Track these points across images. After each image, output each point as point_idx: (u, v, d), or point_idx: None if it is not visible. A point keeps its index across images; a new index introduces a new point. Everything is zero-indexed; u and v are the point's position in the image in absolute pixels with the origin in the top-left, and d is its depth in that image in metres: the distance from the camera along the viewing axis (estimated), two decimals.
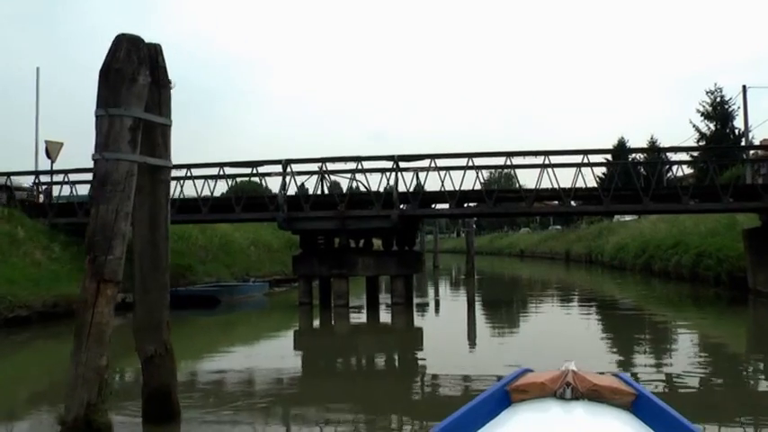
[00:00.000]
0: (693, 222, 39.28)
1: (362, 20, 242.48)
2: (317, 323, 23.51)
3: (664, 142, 65.01)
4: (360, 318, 24.87)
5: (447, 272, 57.83)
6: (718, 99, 63.95)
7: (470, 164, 23.39)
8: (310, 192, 26.25)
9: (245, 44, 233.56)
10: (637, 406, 3.72)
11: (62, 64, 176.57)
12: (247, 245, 38.17)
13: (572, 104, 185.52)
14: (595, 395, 3.69)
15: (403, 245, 26.63)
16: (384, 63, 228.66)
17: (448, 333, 20.63)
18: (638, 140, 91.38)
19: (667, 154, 28.38)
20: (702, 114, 63.89)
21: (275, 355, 16.78)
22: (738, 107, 53.72)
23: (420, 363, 15.88)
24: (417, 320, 23.78)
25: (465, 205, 25.03)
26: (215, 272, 31.82)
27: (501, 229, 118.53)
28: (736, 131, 57.49)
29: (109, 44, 7.86)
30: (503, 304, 29.30)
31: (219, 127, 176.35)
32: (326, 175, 24.81)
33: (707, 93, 64.68)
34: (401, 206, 23.88)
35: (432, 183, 47.76)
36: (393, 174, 23.77)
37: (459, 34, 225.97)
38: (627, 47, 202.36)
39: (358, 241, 27.11)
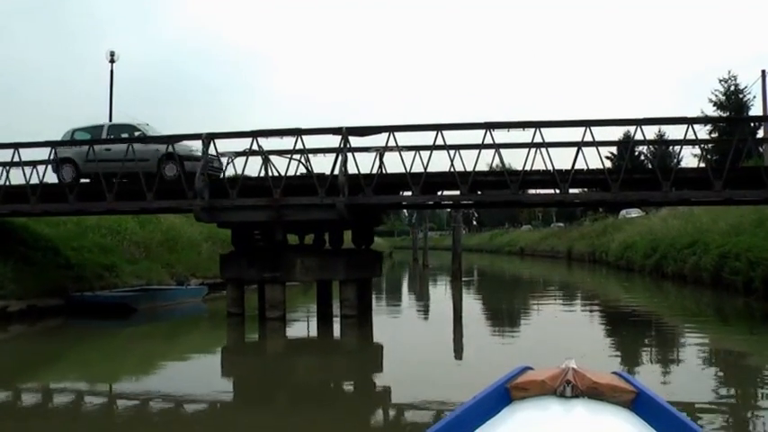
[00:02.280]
0: (711, 218, 33.46)
1: (369, 17, 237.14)
2: (252, 338, 18.61)
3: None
4: (302, 333, 19.39)
5: (443, 271, 51.72)
6: (732, 87, 58.50)
7: (441, 141, 17.69)
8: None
9: (251, 40, 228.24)
10: (637, 404, 3.60)
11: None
12: (201, 240, 32.48)
13: (576, 103, 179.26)
14: (596, 393, 3.58)
15: (360, 242, 20.96)
16: (389, 59, 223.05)
17: (421, 353, 15.23)
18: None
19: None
20: (715, 104, 58.24)
21: (179, 384, 12.39)
22: (755, 96, 48.56)
23: (374, 391, 11.92)
24: (380, 336, 18.45)
25: (440, 193, 19.34)
26: (148, 273, 26.14)
27: (502, 225, 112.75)
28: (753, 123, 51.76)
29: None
30: (495, 313, 23.73)
31: (225, 121, 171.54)
32: (264, 156, 19.03)
33: (720, 81, 59.05)
34: (360, 194, 18.21)
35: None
36: (344, 152, 18.09)
37: (465, 30, 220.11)
38: (632, 43, 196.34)
39: (303, 237, 21.47)
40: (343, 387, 12.81)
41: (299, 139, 18.41)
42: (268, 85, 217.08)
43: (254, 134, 18.80)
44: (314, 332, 19.53)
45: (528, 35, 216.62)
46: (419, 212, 70.39)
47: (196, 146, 19.81)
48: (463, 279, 43.13)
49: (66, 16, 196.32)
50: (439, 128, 17.81)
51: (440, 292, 33.65)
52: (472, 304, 26.60)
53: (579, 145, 17.38)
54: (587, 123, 17.18)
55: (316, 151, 18.97)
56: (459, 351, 15.99)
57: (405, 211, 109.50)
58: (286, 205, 18.49)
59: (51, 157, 20.51)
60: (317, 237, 20.94)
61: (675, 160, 17.17)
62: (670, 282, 32.11)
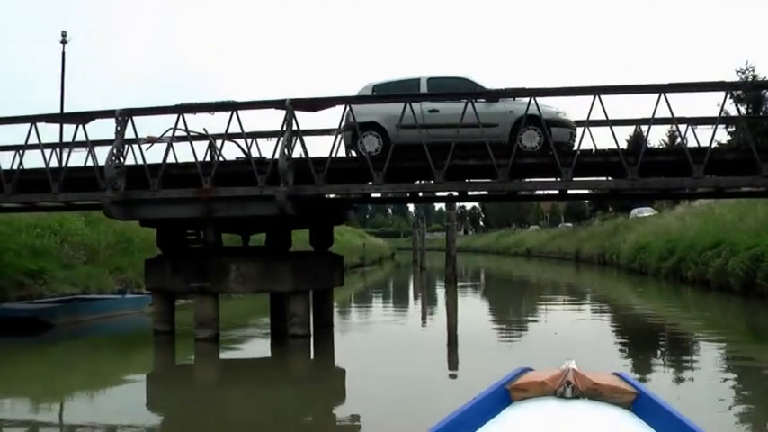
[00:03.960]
0: (737, 215, 29.29)
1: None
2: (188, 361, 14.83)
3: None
4: (250, 354, 15.47)
5: (442, 274, 47.38)
6: (750, 79, 54.15)
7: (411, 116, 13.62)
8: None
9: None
10: (637, 404, 3.57)
11: None
12: None
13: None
14: (596, 394, 3.56)
15: (318, 244, 16.92)
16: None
17: (398, 384, 11.38)
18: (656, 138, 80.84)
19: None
20: (732, 97, 53.79)
21: None
22: None
23: None
24: (345, 360, 14.34)
25: (417, 182, 15.22)
26: (88, 280, 22.11)
27: (509, 226, 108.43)
28: None
29: None
30: (499, 326, 19.65)
31: None
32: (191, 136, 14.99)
33: (737, 72, 54.56)
34: (316, 183, 14.16)
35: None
36: (287, 132, 14.01)
37: (466, 30, 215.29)
38: (641, 39, 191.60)
39: (248, 238, 17.45)
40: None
41: (235, 116, 14.36)
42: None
43: (180, 109, 14.76)
44: (265, 353, 15.56)
45: (547, 30, 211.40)
46: (420, 211, 65.99)
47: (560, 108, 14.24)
48: (468, 283, 39.30)
49: None
50: (408, 98, 13.74)
51: (434, 301, 29.37)
52: (473, 316, 22.28)
53: (586, 124, 13.33)
54: (595, 91, 13.08)
55: (258, 135, 14.96)
56: (446, 383, 11.90)
57: (411, 210, 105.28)
58: (218, 198, 14.48)
59: (343, 124, 14.26)
60: (268, 238, 16.82)
61: (711, 140, 12.69)
62: (690, 287, 27.92)
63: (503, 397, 3.66)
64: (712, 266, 25.40)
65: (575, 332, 17.35)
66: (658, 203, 56.81)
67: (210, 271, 14.61)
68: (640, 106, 14.06)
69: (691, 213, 36.76)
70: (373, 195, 17.73)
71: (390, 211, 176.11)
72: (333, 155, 14.12)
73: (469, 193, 16.88)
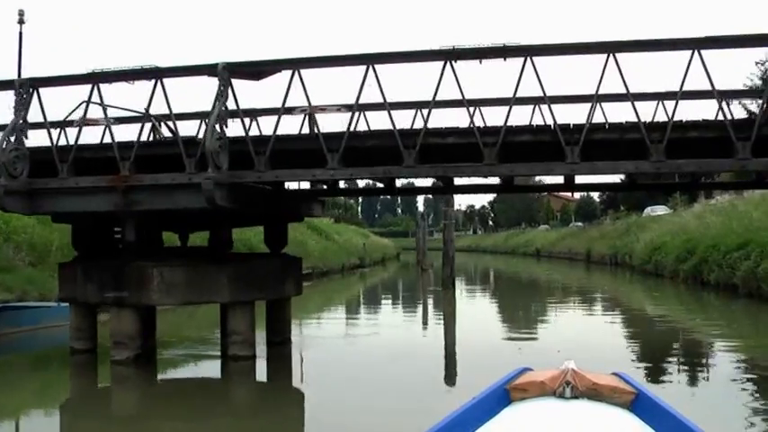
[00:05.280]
0: (764, 212, 26.15)
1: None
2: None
3: None
4: (178, 378, 12.54)
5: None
6: None
7: (376, 84, 10.56)
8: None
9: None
10: (636, 405, 3.55)
11: None
12: None
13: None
14: (595, 394, 3.54)
15: (273, 245, 13.87)
16: None
17: (369, 418, 8.88)
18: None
19: None
20: (751, 89, 50.47)
21: None
22: None
23: None
24: (309, 384, 11.60)
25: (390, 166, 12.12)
26: (26, 284, 19.06)
27: (518, 226, 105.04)
28: None
29: None
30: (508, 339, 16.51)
31: None
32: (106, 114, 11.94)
33: (756, 63, 51.19)
34: (256, 169, 11.13)
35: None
36: (219, 103, 10.94)
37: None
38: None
39: (187, 238, 14.43)
40: None
41: (159, 85, 11.32)
42: None
43: (93, 78, 11.72)
44: (210, 376, 12.57)
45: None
46: (429, 210, 62.84)
47: None
48: (472, 286, 36.24)
49: None
50: (370, 59, 10.63)
51: (428, 308, 26.08)
52: (472, 328, 18.93)
53: (596, 100, 10.26)
54: (608, 48, 9.95)
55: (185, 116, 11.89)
56: (430, 414, 8.86)
57: (421, 209, 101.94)
58: (138, 187, 11.45)
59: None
60: (215, 235, 13.72)
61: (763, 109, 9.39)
62: (713, 292, 24.69)
63: (502, 397, 3.62)
64: (740, 269, 22.20)
65: (584, 349, 14.13)
66: (673, 202, 53.61)
67: (128, 278, 11.57)
68: (667, 69, 10.88)
69: (711, 211, 33.56)
70: (343, 186, 14.79)
71: (400, 211, 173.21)
72: (277, 131, 11.08)
73: (457, 181, 13.81)
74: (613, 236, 50.05)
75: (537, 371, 3.81)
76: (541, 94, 10.39)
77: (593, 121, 10.38)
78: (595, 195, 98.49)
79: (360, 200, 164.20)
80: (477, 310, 24.83)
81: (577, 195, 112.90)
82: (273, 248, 13.66)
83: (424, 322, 21.18)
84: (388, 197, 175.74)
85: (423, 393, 10.05)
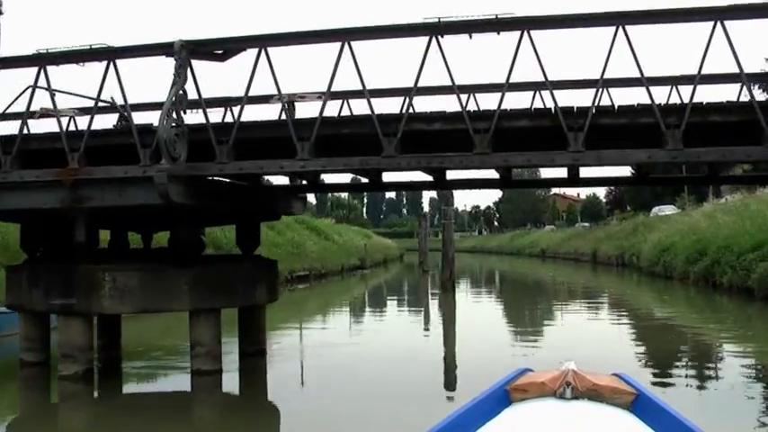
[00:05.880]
0: None
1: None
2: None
3: None
4: (135, 390, 11.22)
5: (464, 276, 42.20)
6: None
7: (352, 62, 9.19)
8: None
9: None
10: (637, 405, 3.53)
11: None
12: None
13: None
14: (595, 394, 3.52)
15: (244, 246, 12.49)
16: None
17: None
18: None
19: None
20: (761, 88, 48.86)
21: None
22: None
23: None
24: (286, 400, 10.12)
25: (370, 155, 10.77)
26: None
27: (524, 226, 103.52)
28: None
29: None
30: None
31: None
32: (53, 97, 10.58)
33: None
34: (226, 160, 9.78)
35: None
36: (176, 85, 9.58)
37: None
38: None
39: (150, 238, 13.07)
40: None
41: (112, 67, 9.97)
42: None
43: (40, 60, 10.38)
44: (178, 389, 11.22)
45: None
46: (433, 210, 61.15)
47: None
48: (475, 289, 34.81)
49: None
50: (345, 35, 9.25)
51: (429, 312, 24.54)
52: (476, 334, 17.22)
53: (602, 85, 8.89)
54: (616, 19, 8.56)
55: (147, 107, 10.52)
56: None
57: (427, 210, 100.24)
58: (88, 182, 10.11)
59: None
60: (172, 237, 12.27)
61: None
62: (725, 295, 23.22)
63: (502, 397, 3.61)
64: (756, 272, 20.75)
65: (591, 353, 12.68)
66: (681, 201, 52.17)
67: (77, 283, 10.22)
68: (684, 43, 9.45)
69: (722, 210, 32.09)
70: (328, 181, 13.46)
71: (405, 212, 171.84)
72: (241, 117, 9.72)
73: (450, 175, 12.45)
74: (620, 236, 48.55)
75: (537, 371, 3.79)
76: (541, 77, 9.02)
77: (599, 104, 8.98)
78: (601, 195, 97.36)
79: (365, 200, 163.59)
80: (478, 315, 23.09)
81: (583, 195, 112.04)
82: (245, 249, 12.27)
83: (423, 328, 19.63)
84: (393, 197, 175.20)
85: (417, 406, 8.69)
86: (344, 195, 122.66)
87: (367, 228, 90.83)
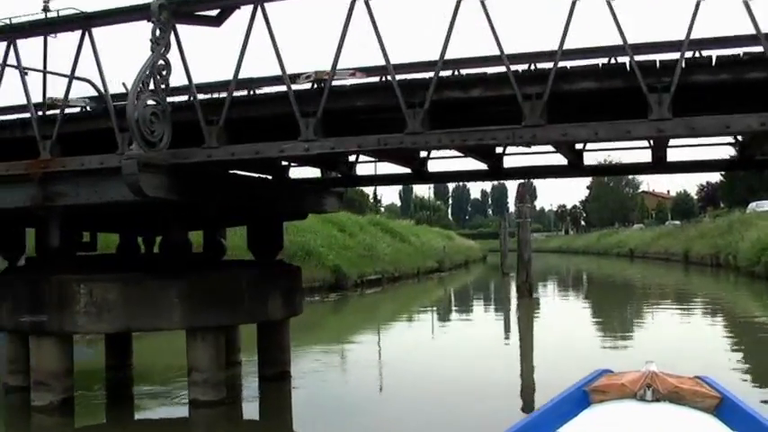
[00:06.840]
0: None
1: None
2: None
3: None
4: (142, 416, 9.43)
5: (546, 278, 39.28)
6: None
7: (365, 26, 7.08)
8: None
9: None
10: (721, 409, 3.35)
11: None
12: None
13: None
14: (677, 397, 3.37)
15: (260, 250, 10.43)
16: None
17: None
18: None
19: None
20: None
21: None
22: None
23: None
24: None
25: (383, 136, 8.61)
26: None
27: (612, 225, 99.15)
28: None
29: None
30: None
31: None
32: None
33: None
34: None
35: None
36: (153, 55, 7.63)
37: None
38: None
39: (153, 242, 11.17)
40: None
41: (87, 37, 8.11)
42: None
43: (8, 33, 8.61)
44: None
45: None
46: (519, 210, 57.74)
47: None
48: (560, 293, 32.29)
49: None
50: None
51: (505, 321, 21.83)
52: (557, 350, 13.96)
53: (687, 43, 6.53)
54: None
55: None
56: None
57: (512, 210, 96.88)
58: (60, 175, 8.28)
59: None
60: (163, 240, 10.25)
61: None
62: None
63: (581, 399, 3.48)
64: None
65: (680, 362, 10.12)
66: None
67: (47, 296, 8.39)
68: None
69: None
70: (360, 173, 11.33)
71: (491, 212, 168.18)
72: (233, 93, 7.70)
73: (507, 162, 10.14)
74: (714, 234, 44.87)
75: (617, 373, 3.67)
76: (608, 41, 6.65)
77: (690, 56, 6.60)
78: (693, 191, 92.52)
79: (449, 201, 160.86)
80: (561, 325, 19.91)
81: (673, 192, 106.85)
82: (260, 255, 10.19)
83: (494, 339, 17.08)
84: (479, 198, 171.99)
85: None
86: (428, 196, 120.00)
87: (451, 229, 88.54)
